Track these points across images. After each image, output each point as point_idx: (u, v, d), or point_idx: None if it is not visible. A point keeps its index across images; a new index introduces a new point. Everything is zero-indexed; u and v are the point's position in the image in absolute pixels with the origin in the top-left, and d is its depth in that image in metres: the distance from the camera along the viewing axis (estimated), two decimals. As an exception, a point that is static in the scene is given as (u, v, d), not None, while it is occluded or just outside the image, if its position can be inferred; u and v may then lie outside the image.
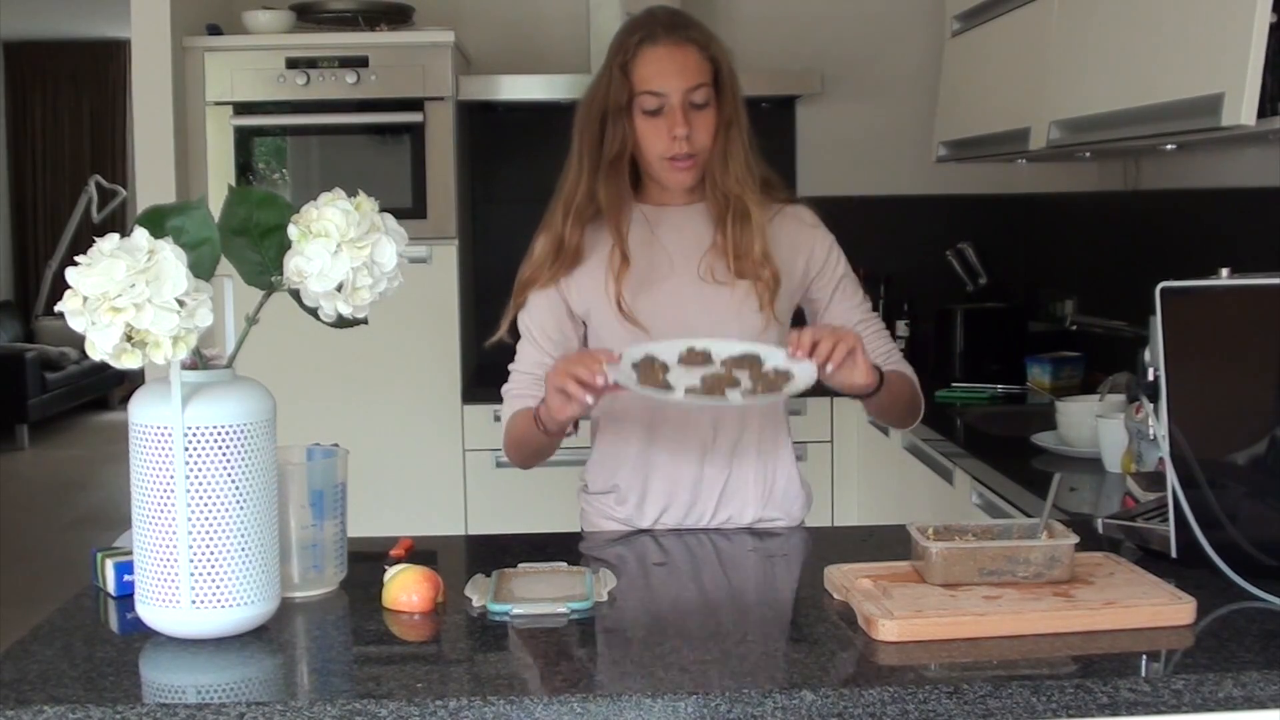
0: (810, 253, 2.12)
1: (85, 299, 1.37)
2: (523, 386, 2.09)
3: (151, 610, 1.49)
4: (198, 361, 1.50)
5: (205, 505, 1.45)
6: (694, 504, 2.10)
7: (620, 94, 2.00)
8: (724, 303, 2.04)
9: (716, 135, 2.02)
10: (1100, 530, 1.83)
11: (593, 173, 2.04)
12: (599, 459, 2.16)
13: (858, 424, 3.77)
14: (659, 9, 2.07)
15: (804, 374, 1.76)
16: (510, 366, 2.13)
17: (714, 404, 1.68)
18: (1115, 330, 3.48)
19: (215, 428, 1.45)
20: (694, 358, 1.82)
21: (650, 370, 1.76)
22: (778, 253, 2.06)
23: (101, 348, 1.38)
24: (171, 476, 1.45)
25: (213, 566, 1.46)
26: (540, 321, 2.09)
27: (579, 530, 2.18)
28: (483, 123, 4.21)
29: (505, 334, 2.11)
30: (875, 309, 4.12)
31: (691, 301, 2.05)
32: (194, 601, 1.46)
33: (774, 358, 1.80)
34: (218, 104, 3.71)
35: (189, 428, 1.45)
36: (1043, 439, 2.80)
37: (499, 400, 3.69)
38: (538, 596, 1.60)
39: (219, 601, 1.47)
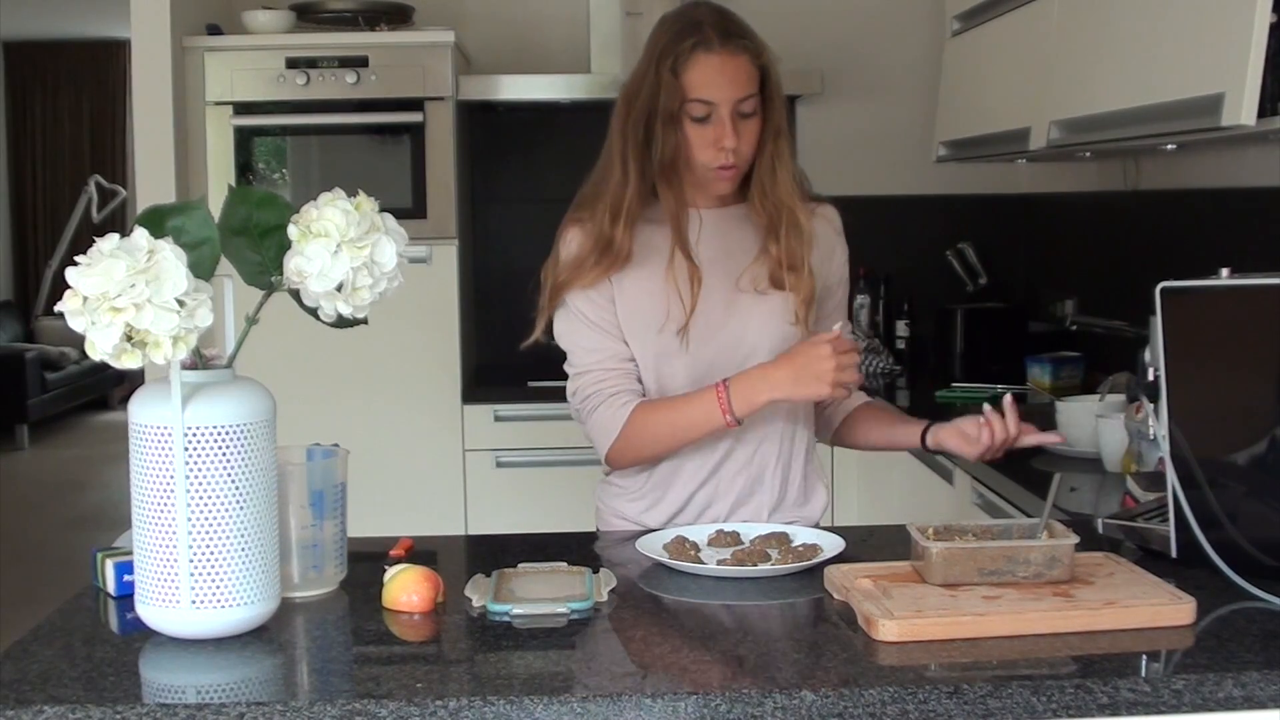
0: (832, 261, 2.14)
1: (85, 299, 1.37)
2: (616, 382, 2.03)
3: (151, 610, 1.49)
4: (198, 361, 1.50)
5: (205, 505, 1.45)
6: (709, 506, 2.09)
7: (672, 99, 1.97)
8: (759, 312, 2.04)
9: (764, 144, 2.02)
10: (1100, 530, 1.83)
11: (641, 176, 2.01)
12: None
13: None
14: (703, 7, 2.04)
15: (831, 544, 1.80)
16: (573, 369, 2.07)
17: (744, 572, 1.72)
18: (1115, 330, 3.48)
19: (215, 428, 1.45)
20: (723, 539, 1.86)
21: (681, 548, 1.79)
22: (812, 256, 2.06)
23: (101, 348, 1.38)
24: (171, 476, 1.45)
25: (213, 566, 1.46)
26: (602, 314, 2.04)
27: (590, 528, 2.18)
28: (483, 123, 4.21)
29: (540, 335, 2.07)
30: (875, 309, 4.18)
31: (724, 307, 2.04)
32: (194, 601, 1.46)
33: (801, 535, 1.87)
34: (218, 104, 3.71)
35: (189, 428, 1.45)
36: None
37: (498, 400, 3.78)
38: (538, 596, 1.60)
39: (219, 601, 1.47)
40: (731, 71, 1.97)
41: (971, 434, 1.99)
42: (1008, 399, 1.98)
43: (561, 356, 2.10)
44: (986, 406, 1.99)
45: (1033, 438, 2.01)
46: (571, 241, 2.05)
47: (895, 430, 2.14)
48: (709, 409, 1.94)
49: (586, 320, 2.04)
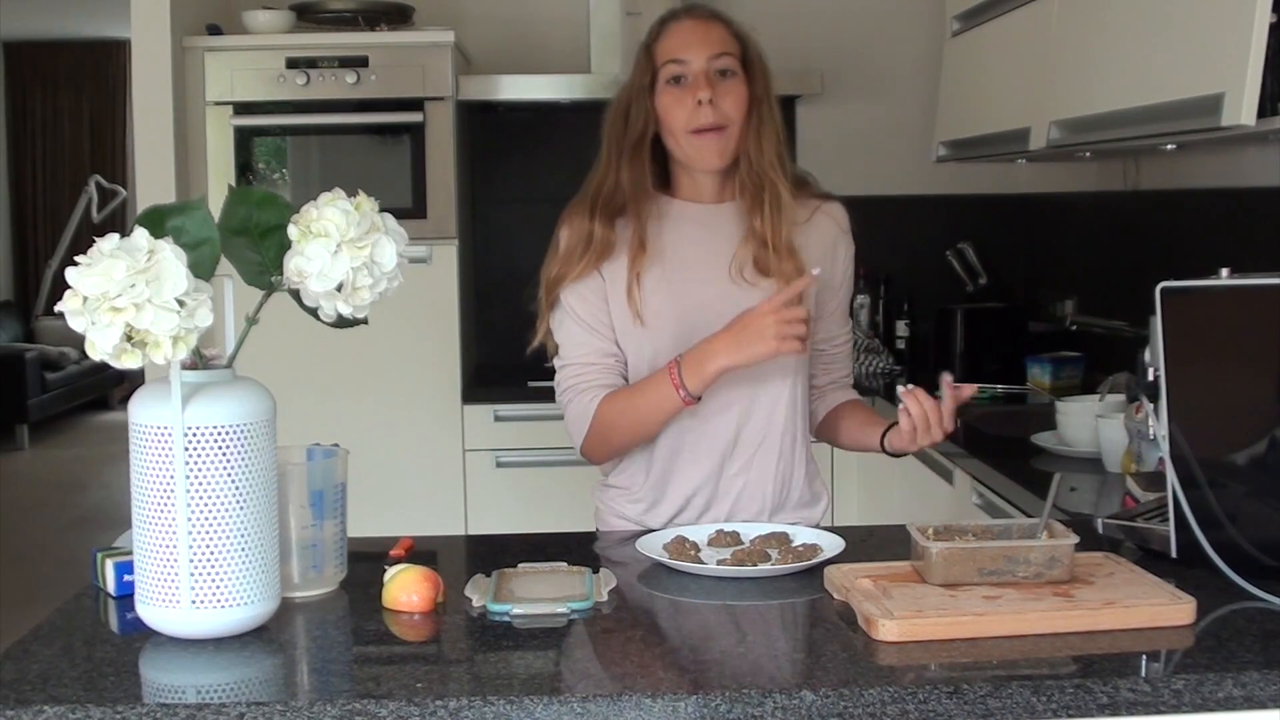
0: (837, 259, 2.14)
1: (85, 299, 1.37)
2: (593, 376, 2.04)
3: (151, 610, 1.49)
4: (198, 361, 1.50)
5: (205, 505, 1.45)
6: (709, 507, 2.09)
7: (644, 74, 2.02)
8: (748, 304, 2.03)
9: (749, 113, 2.02)
10: (1100, 530, 1.83)
11: (618, 162, 2.04)
12: (619, 464, 2.14)
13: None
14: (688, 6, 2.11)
15: (831, 544, 1.80)
16: (559, 363, 2.08)
17: (744, 572, 1.72)
18: (1115, 330, 3.48)
19: (215, 428, 1.45)
20: (723, 539, 1.86)
21: (681, 548, 1.79)
22: (813, 251, 2.06)
23: (101, 348, 1.38)
24: (171, 476, 1.45)
25: (213, 566, 1.46)
26: (591, 310, 2.04)
27: (590, 529, 2.18)
28: (483, 123, 4.21)
29: (542, 338, 2.08)
30: (875, 309, 4.19)
31: (716, 302, 2.03)
32: (194, 601, 1.46)
33: (801, 535, 1.87)
34: (218, 104, 3.71)
35: (189, 428, 1.45)
36: (1043, 439, 2.79)
37: (498, 400, 3.78)
38: (538, 596, 1.60)
39: (219, 601, 1.47)
40: (703, 33, 2.02)
41: (905, 427, 1.96)
42: (946, 376, 1.94)
43: None
44: (900, 389, 1.94)
45: (954, 396, 1.93)
46: (561, 238, 2.07)
47: (861, 432, 2.14)
48: (663, 389, 1.94)
49: (575, 316, 2.05)
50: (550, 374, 2.13)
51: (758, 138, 2.03)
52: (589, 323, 2.05)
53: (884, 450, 2.07)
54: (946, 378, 1.96)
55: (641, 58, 2.04)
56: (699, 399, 1.95)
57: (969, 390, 1.97)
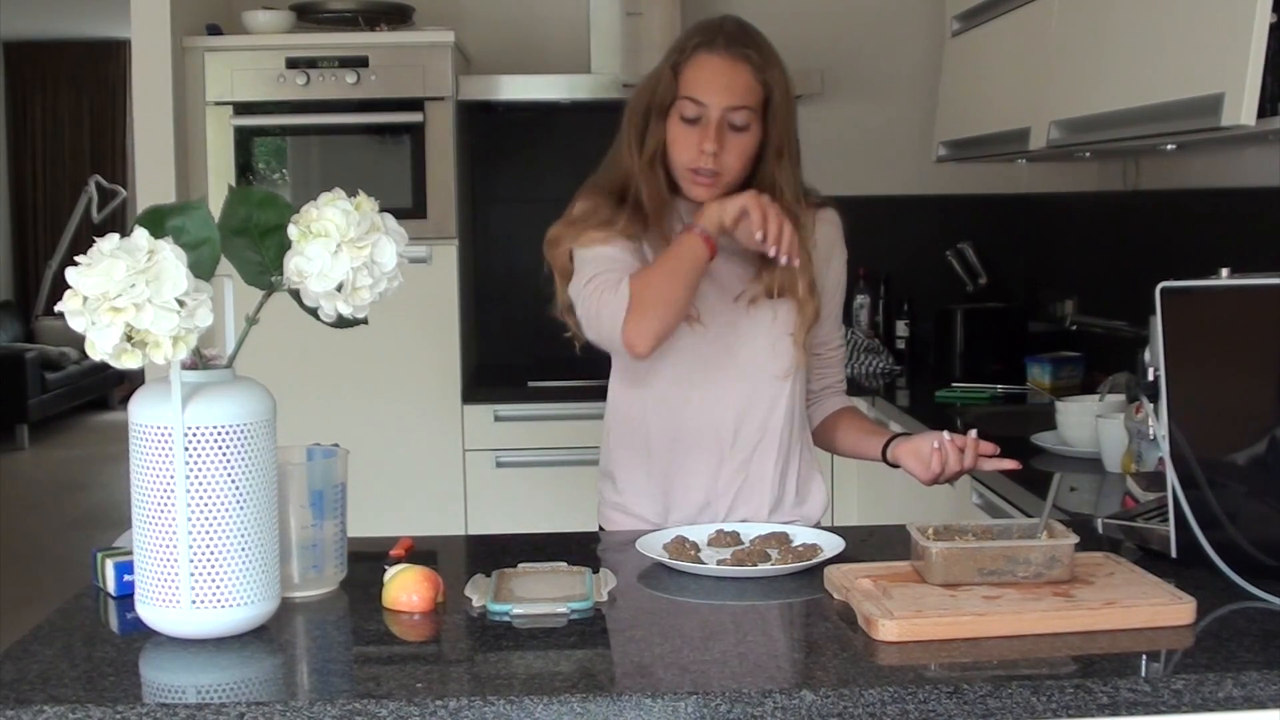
0: (831, 264, 2.15)
1: (85, 299, 1.37)
2: (619, 273, 1.96)
3: (151, 610, 1.49)
4: (198, 361, 1.50)
5: (205, 505, 1.45)
6: (708, 504, 2.09)
7: (666, 94, 2.01)
8: (755, 325, 2.04)
9: (764, 163, 2.02)
10: (1100, 530, 1.83)
11: (638, 168, 2.04)
12: (617, 459, 2.15)
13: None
14: (730, 19, 2.06)
15: (831, 544, 1.80)
16: (579, 284, 1.99)
17: (744, 572, 1.72)
18: (1115, 330, 3.48)
19: (215, 428, 1.45)
20: (723, 539, 1.86)
21: (681, 549, 1.79)
22: (815, 257, 2.07)
23: (101, 348, 1.38)
24: (171, 476, 1.45)
25: (213, 566, 1.46)
26: (617, 243, 2.00)
27: (590, 529, 2.19)
28: (483, 123, 4.21)
29: (562, 303, 2.07)
30: (875, 309, 4.19)
31: (721, 318, 2.04)
32: (194, 601, 1.46)
33: (801, 535, 1.87)
34: (218, 104, 3.71)
35: (189, 428, 1.45)
36: (1043, 439, 2.80)
37: (498, 400, 3.79)
38: (538, 596, 1.60)
39: (219, 601, 1.47)
40: (729, 77, 1.98)
41: (925, 455, 1.99)
42: (972, 434, 1.99)
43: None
44: (945, 435, 1.99)
45: (990, 464, 2.01)
46: (575, 208, 2.07)
47: (861, 440, 2.16)
48: (682, 239, 1.93)
49: (600, 254, 2.00)
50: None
51: (774, 180, 2.02)
52: (610, 244, 2.00)
53: (885, 461, 2.09)
54: (973, 434, 2.00)
55: (666, 73, 2.01)
56: (717, 242, 1.92)
57: (999, 465, 2.02)
